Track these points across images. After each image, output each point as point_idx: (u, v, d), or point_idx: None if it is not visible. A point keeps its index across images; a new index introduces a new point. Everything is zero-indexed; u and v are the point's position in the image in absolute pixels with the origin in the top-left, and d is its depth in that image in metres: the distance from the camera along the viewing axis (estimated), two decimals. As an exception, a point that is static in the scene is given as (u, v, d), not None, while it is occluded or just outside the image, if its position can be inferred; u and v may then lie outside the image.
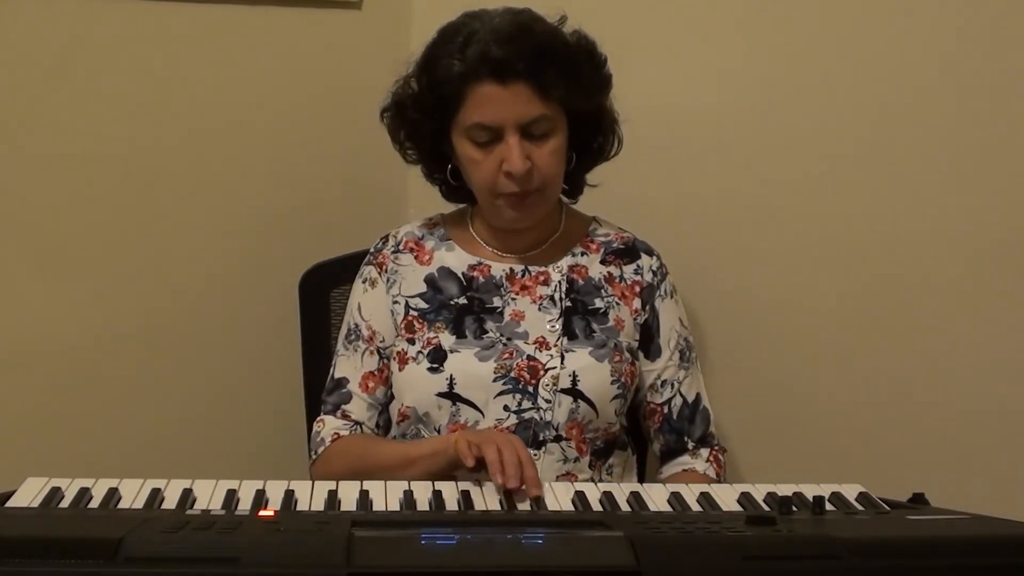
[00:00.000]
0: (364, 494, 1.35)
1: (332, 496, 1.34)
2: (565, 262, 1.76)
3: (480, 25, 1.62)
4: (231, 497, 1.31)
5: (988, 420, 1.87)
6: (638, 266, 1.78)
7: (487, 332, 1.70)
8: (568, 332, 1.71)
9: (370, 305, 1.77)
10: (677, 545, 1.12)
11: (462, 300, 1.73)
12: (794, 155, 1.99)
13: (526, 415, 1.66)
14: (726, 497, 1.39)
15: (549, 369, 1.67)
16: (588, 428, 1.68)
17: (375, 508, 1.33)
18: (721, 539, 1.14)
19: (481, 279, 1.74)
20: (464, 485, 1.41)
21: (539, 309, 1.72)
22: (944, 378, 1.90)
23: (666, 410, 1.77)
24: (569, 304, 1.73)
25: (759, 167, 2.02)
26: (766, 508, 1.35)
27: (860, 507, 1.35)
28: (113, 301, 1.98)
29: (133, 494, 1.31)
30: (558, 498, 1.40)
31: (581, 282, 1.75)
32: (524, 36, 1.61)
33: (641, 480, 1.86)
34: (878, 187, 1.93)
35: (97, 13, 1.91)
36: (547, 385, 1.66)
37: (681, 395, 1.77)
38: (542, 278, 1.74)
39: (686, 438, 1.77)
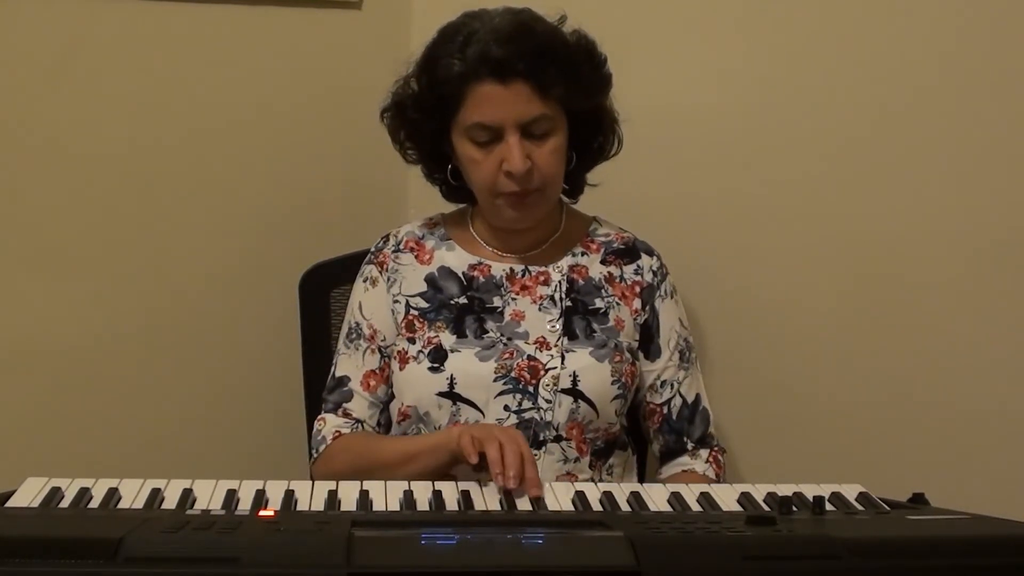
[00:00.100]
0: (364, 494, 1.35)
1: (332, 496, 1.34)
2: (565, 262, 1.76)
3: (480, 25, 1.62)
4: (231, 497, 1.31)
5: (988, 420, 1.87)
6: (638, 266, 1.78)
7: (487, 332, 1.70)
8: (568, 332, 1.71)
9: (371, 304, 1.77)
10: (677, 545, 1.12)
11: (462, 300, 1.73)
12: (794, 155, 1.99)
13: (526, 415, 1.66)
14: (726, 497, 1.39)
15: (549, 369, 1.67)
16: (588, 428, 1.68)
17: (375, 508, 1.33)
18: (721, 539, 1.14)
19: (481, 279, 1.74)
20: (464, 485, 1.41)
21: (539, 309, 1.72)
22: (944, 378, 1.90)
23: (666, 410, 1.77)
24: (569, 304, 1.73)
25: (759, 167, 2.02)
26: (766, 508, 1.35)
27: (860, 507, 1.35)
28: (113, 301, 1.98)
29: (133, 494, 1.31)
30: (558, 498, 1.40)
31: (581, 282, 1.75)
32: (524, 36, 1.61)
33: (641, 480, 1.86)
34: (878, 187, 1.93)
35: (97, 13, 1.91)
36: (547, 385, 1.66)
37: (681, 395, 1.77)
38: (542, 278, 1.74)
39: (685, 438, 1.77)
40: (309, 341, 1.94)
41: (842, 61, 1.94)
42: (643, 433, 1.83)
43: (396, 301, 1.75)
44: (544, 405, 1.66)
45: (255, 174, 2.09)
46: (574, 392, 1.66)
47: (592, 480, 1.68)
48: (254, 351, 2.10)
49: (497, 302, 1.73)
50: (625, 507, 1.36)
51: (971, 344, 1.88)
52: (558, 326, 1.71)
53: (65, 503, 1.28)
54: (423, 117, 1.69)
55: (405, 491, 1.37)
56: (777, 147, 2.00)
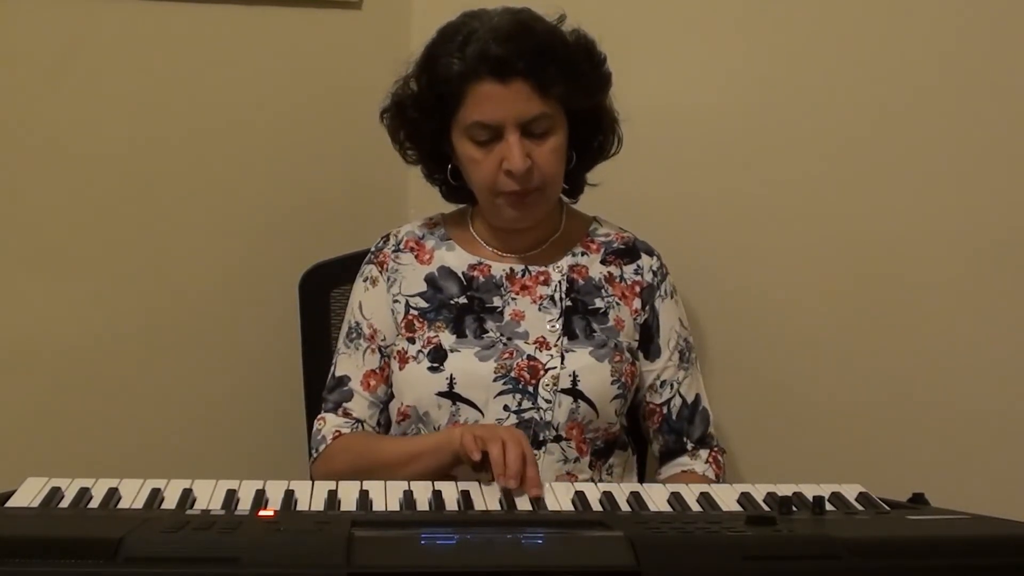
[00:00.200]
0: (364, 494, 1.35)
1: (332, 496, 1.34)
2: (565, 262, 1.76)
3: (479, 24, 1.62)
4: (231, 497, 1.31)
5: (988, 420, 1.87)
6: (638, 266, 1.78)
7: (487, 332, 1.70)
8: (568, 332, 1.71)
9: (371, 303, 1.77)
10: (677, 545, 1.12)
11: (462, 300, 1.73)
12: (794, 155, 1.99)
13: (526, 415, 1.66)
14: (726, 497, 1.39)
15: (549, 369, 1.67)
16: (588, 428, 1.68)
17: (375, 508, 1.33)
18: (721, 539, 1.14)
19: (481, 279, 1.74)
20: (464, 485, 1.41)
21: (539, 309, 1.72)
22: (944, 378, 1.90)
23: (665, 410, 1.77)
24: (569, 304, 1.73)
25: (759, 167, 2.02)
26: (766, 508, 1.35)
27: (860, 507, 1.35)
28: (113, 301, 1.98)
29: (133, 494, 1.31)
30: (558, 498, 1.40)
31: (581, 282, 1.75)
32: (523, 34, 1.62)
33: (641, 480, 1.86)
34: (878, 187, 1.93)
35: (97, 13, 1.91)
36: (547, 385, 1.66)
37: (680, 395, 1.77)
38: (542, 278, 1.74)
39: (685, 439, 1.77)
40: (309, 341, 1.94)
41: (842, 61, 1.94)
42: (643, 433, 1.83)
43: (396, 301, 1.75)
44: (544, 405, 1.66)
45: (255, 174, 2.09)
46: (574, 392, 1.66)
47: (592, 480, 1.68)
48: (254, 351, 2.10)
49: (497, 302, 1.73)
50: (625, 507, 1.36)
51: (971, 344, 1.88)
52: (558, 326, 1.71)
53: (65, 503, 1.28)
54: (423, 117, 1.69)
55: (405, 491, 1.37)
56: (777, 147, 2.00)
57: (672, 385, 1.77)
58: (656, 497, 1.39)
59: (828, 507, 1.33)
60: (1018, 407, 1.85)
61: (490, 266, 1.75)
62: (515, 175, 1.63)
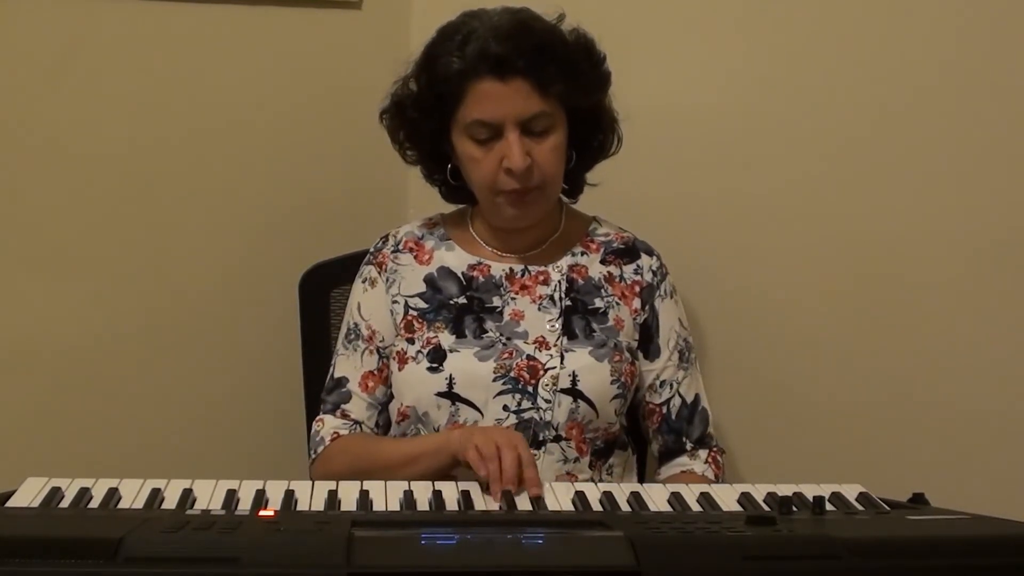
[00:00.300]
0: (364, 494, 1.35)
1: (332, 496, 1.34)
2: (565, 262, 1.76)
3: (479, 23, 1.63)
4: (231, 497, 1.31)
5: (988, 420, 1.87)
6: (638, 266, 1.78)
7: (487, 332, 1.70)
8: (568, 332, 1.71)
9: (370, 305, 1.77)
10: (677, 545, 1.12)
11: (462, 300, 1.73)
12: (794, 155, 1.99)
13: (525, 415, 1.65)
14: (726, 497, 1.39)
15: (549, 369, 1.67)
16: (588, 428, 1.68)
17: (375, 508, 1.33)
18: (721, 539, 1.14)
19: (481, 279, 1.74)
20: (464, 485, 1.41)
21: (539, 309, 1.72)
22: (944, 378, 1.90)
23: (665, 410, 1.77)
24: (569, 304, 1.73)
25: (759, 167, 2.02)
26: (766, 508, 1.35)
27: (860, 507, 1.35)
28: (113, 301, 1.98)
29: (133, 494, 1.31)
30: (558, 498, 1.40)
31: (581, 282, 1.75)
32: (523, 33, 1.62)
33: (641, 480, 1.86)
34: (878, 187, 1.93)
35: (97, 13, 1.91)
36: (547, 385, 1.66)
37: (680, 395, 1.77)
38: (542, 278, 1.74)
39: (684, 439, 1.77)
40: (309, 341, 1.94)
41: (842, 61, 1.94)
42: (642, 433, 1.83)
43: (395, 302, 1.75)
44: (543, 405, 1.66)
45: (255, 174, 2.09)
46: (573, 392, 1.66)
47: (592, 480, 1.68)
48: (254, 351, 2.10)
49: (496, 302, 1.73)
50: (625, 507, 1.36)
51: (971, 344, 1.88)
52: (557, 325, 1.71)
53: (65, 503, 1.28)
54: (423, 116, 1.69)
55: (405, 491, 1.37)
56: (777, 147, 2.00)
57: (671, 385, 1.77)
58: (656, 497, 1.39)
59: (828, 507, 1.33)
60: (1018, 407, 1.85)
61: (489, 266, 1.75)
62: (515, 173, 1.63)
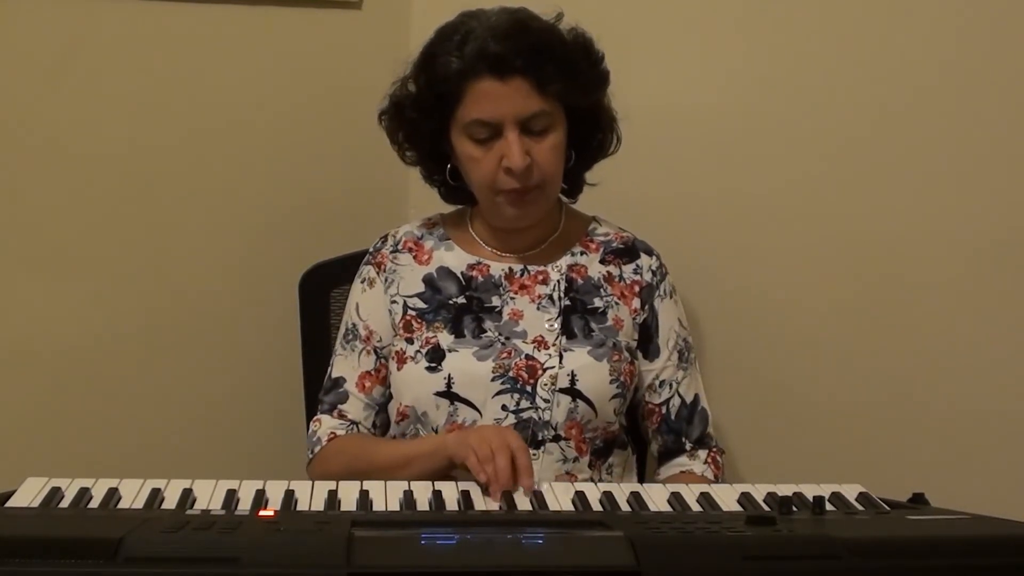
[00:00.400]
0: (364, 494, 1.35)
1: (332, 496, 1.34)
2: (564, 261, 1.76)
3: (477, 23, 1.63)
4: (231, 497, 1.31)
5: (988, 420, 1.87)
6: (637, 266, 1.78)
7: (486, 331, 1.70)
8: (567, 331, 1.71)
9: (368, 305, 1.77)
10: (677, 545, 1.12)
11: (461, 300, 1.73)
12: (794, 155, 1.99)
13: (524, 415, 1.65)
14: (726, 497, 1.39)
15: (547, 368, 1.67)
16: (587, 428, 1.68)
17: (375, 508, 1.33)
18: (721, 539, 1.13)
19: (480, 278, 1.74)
20: (464, 485, 1.41)
21: (538, 308, 1.72)
22: (944, 378, 1.90)
23: (664, 410, 1.77)
24: (568, 303, 1.73)
25: (759, 167, 2.02)
26: (766, 508, 1.35)
27: (860, 507, 1.35)
28: (113, 301, 1.98)
29: (133, 494, 1.31)
30: (558, 498, 1.40)
31: (580, 281, 1.75)
32: (521, 32, 1.62)
33: (641, 480, 1.86)
34: (878, 187, 1.93)
35: (97, 13, 1.92)
36: (545, 385, 1.66)
37: (679, 395, 1.77)
38: (541, 277, 1.74)
39: (684, 439, 1.77)
40: (309, 341, 1.94)
41: (842, 61, 1.94)
42: (642, 433, 1.82)
43: (394, 302, 1.75)
44: (542, 405, 1.66)
45: (255, 174, 2.09)
46: (572, 391, 1.66)
47: (592, 480, 1.68)
48: (254, 351, 2.10)
49: (495, 301, 1.73)
50: (625, 507, 1.36)
51: (971, 344, 1.88)
52: (556, 325, 1.71)
53: (65, 503, 1.28)
54: (422, 116, 1.69)
55: (405, 491, 1.37)
56: (777, 147, 2.00)
57: (671, 385, 1.77)
58: (656, 497, 1.39)
59: (828, 507, 1.33)
60: (1018, 407, 1.85)
61: (489, 266, 1.75)
62: (515, 172, 1.63)
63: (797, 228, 2.00)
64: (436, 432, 1.67)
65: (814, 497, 1.30)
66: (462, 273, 1.75)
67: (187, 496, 1.31)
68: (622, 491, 1.40)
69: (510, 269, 1.75)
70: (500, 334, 1.70)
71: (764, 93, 2.01)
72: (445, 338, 1.70)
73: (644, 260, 1.79)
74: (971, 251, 1.88)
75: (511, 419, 1.65)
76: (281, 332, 2.00)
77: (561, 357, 1.68)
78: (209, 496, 1.32)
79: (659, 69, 2.06)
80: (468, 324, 1.71)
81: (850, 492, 1.39)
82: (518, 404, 1.66)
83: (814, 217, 1.99)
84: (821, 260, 1.98)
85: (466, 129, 1.64)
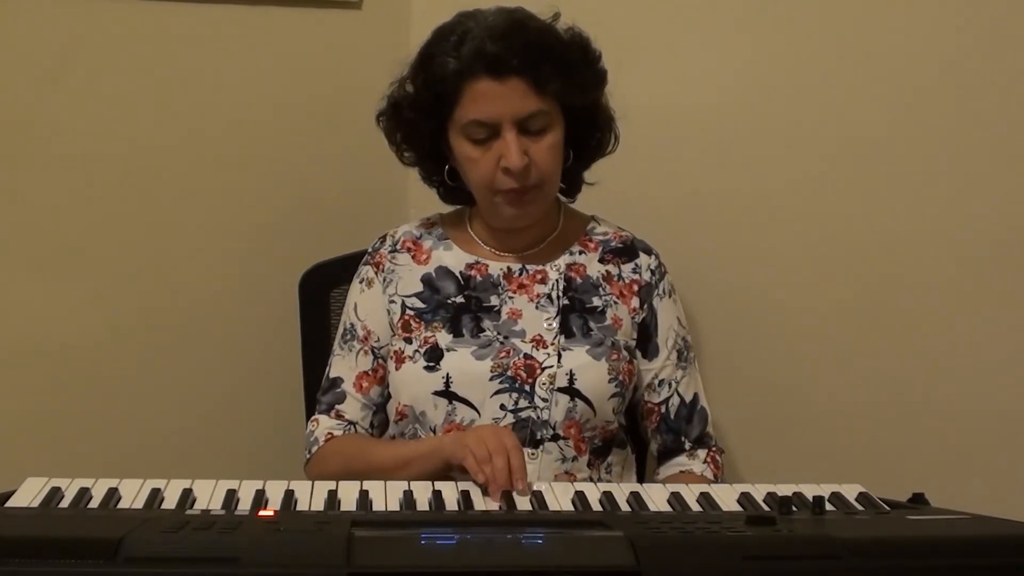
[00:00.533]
0: (364, 494, 1.36)
1: (332, 496, 1.34)
2: (563, 260, 1.76)
3: (474, 23, 1.63)
4: (231, 497, 1.31)
5: (988, 420, 1.87)
6: (636, 265, 1.78)
7: (484, 331, 1.70)
8: (565, 330, 1.71)
9: (366, 305, 1.77)
10: (677, 545, 1.12)
11: (459, 299, 1.73)
12: (794, 155, 1.99)
13: (523, 414, 1.65)
14: (726, 497, 1.39)
15: (546, 368, 1.67)
16: (586, 427, 1.68)
17: (375, 508, 1.33)
18: (721, 539, 1.14)
19: (478, 278, 1.74)
20: (464, 485, 1.41)
21: (536, 307, 1.72)
22: (944, 378, 1.90)
23: (663, 410, 1.77)
24: (567, 302, 1.73)
25: (759, 167, 2.02)
26: (766, 508, 1.35)
27: (860, 507, 1.35)
28: (113, 301, 1.98)
29: (133, 494, 1.31)
30: (558, 498, 1.40)
31: (579, 280, 1.75)
32: (518, 32, 1.62)
33: (641, 479, 1.86)
34: (878, 187, 1.93)
35: (97, 13, 1.92)
36: (544, 384, 1.66)
37: (679, 395, 1.77)
38: (540, 276, 1.74)
39: (683, 438, 1.77)
40: (309, 341, 1.94)
41: (842, 61, 1.94)
42: (641, 433, 1.82)
43: (392, 302, 1.75)
44: (540, 404, 1.66)
45: (255, 174, 2.09)
46: (571, 390, 1.66)
47: (591, 479, 1.68)
48: (254, 351, 2.10)
49: (494, 301, 1.73)
50: (625, 507, 1.36)
51: (971, 344, 1.88)
52: (555, 324, 1.71)
53: (65, 503, 1.28)
54: (420, 117, 1.69)
55: (405, 491, 1.37)
56: (777, 147, 2.00)
57: (670, 384, 1.77)
58: (656, 497, 1.39)
59: (828, 507, 1.33)
60: (1018, 407, 1.85)
61: (487, 265, 1.75)
62: (513, 172, 1.63)
63: (797, 228, 2.00)
64: (435, 432, 1.67)
65: (814, 497, 1.30)
66: (460, 273, 1.75)
67: (187, 496, 1.31)
68: (622, 491, 1.40)
69: (509, 268, 1.75)
70: (499, 333, 1.70)
71: (764, 92, 2.01)
72: (443, 337, 1.70)
73: (643, 259, 1.79)
74: (971, 251, 1.88)
75: (509, 418, 1.65)
76: (281, 332, 2.00)
77: (560, 356, 1.68)
78: (209, 496, 1.32)
79: (658, 68, 2.06)
80: (466, 323, 1.71)
81: (850, 492, 1.39)
82: (516, 403, 1.66)
83: (814, 217, 1.99)
84: (821, 260, 1.98)
85: (464, 129, 1.64)
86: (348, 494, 1.35)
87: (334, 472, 1.59)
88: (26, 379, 1.92)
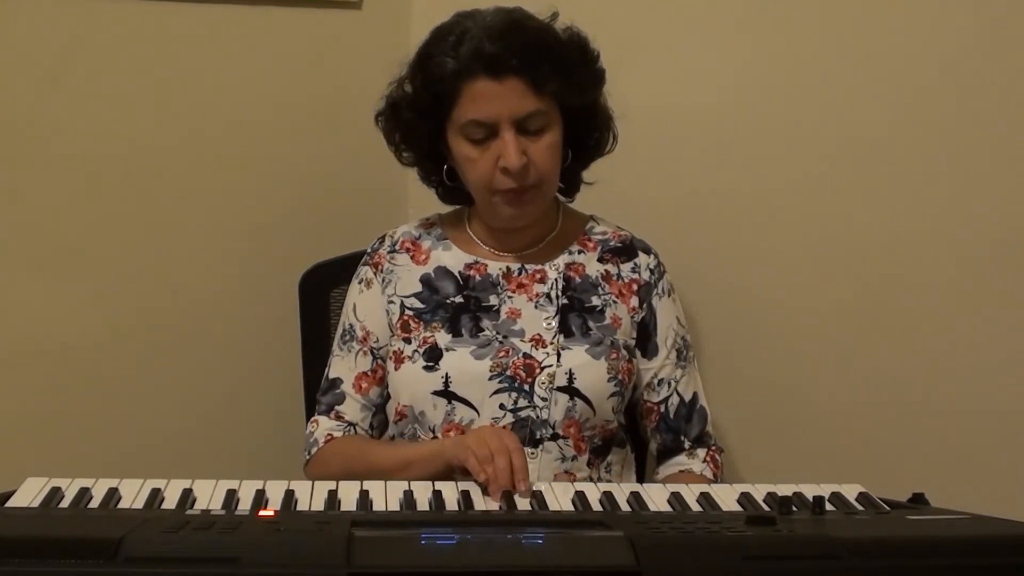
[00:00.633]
0: (364, 494, 1.36)
1: (332, 496, 1.34)
2: (562, 260, 1.76)
3: (472, 23, 1.63)
4: (231, 497, 1.31)
5: (988, 420, 1.87)
6: (635, 264, 1.78)
7: (483, 330, 1.70)
8: (565, 330, 1.71)
9: (365, 306, 1.77)
10: (677, 545, 1.12)
11: (458, 299, 1.73)
12: (794, 155, 1.99)
13: (522, 413, 1.65)
14: (726, 497, 1.39)
15: (545, 367, 1.67)
16: (585, 426, 1.68)
17: (375, 508, 1.33)
18: (721, 539, 1.14)
19: (477, 277, 1.74)
20: (464, 485, 1.42)
21: (535, 307, 1.72)
22: (944, 378, 1.90)
23: (663, 409, 1.77)
24: (566, 302, 1.73)
25: (759, 167, 2.02)
26: (766, 508, 1.35)
27: (860, 507, 1.35)
28: (113, 301, 1.98)
29: (133, 494, 1.31)
30: (558, 498, 1.40)
31: (578, 280, 1.75)
32: (516, 32, 1.62)
33: (641, 478, 1.86)
34: (878, 187, 1.93)
35: (97, 13, 1.92)
36: (543, 383, 1.66)
37: (678, 394, 1.77)
38: (539, 276, 1.74)
39: (683, 437, 1.77)
40: (309, 341, 1.94)
41: (842, 61, 1.94)
42: (641, 432, 1.82)
43: (391, 302, 1.75)
44: (540, 403, 1.66)
45: (255, 174, 2.09)
46: (570, 390, 1.66)
47: (590, 478, 1.68)
48: (254, 351, 2.10)
49: (493, 300, 1.73)
50: (625, 507, 1.36)
51: (971, 344, 1.88)
52: (554, 323, 1.71)
53: (65, 503, 1.28)
54: (418, 117, 1.69)
55: (405, 491, 1.37)
56: (777, 147, 2.00)
57: (670, 383, 1.77)
58: (656, 497, 1.39)
59: (828, 507, 1.33)
60: (1018, 407, 1.85)
61: (486, 265, 1.75)
62: (511, 172, 1.63)
63: (797, 228, 2.00)
64: (434, 431, 1.67)
65: (814, 497, 1.30)
66: (459, 272, 1.75)
67: (187, 496, 1.31)
68: (622, 491, 1.40)
69: (508, 268, 1.75)
70: (498, 333, 1.70)
71: (763, 92, 2.01)
72: (443, 337, 1.70)
73: (642, 259, 1.79)
74: (971, 251, 1.88)
75: (509, 418, 1.65)
76: (281, 332, 2.00)
77: (559, 356, 1.68)
78: (209, 496, 1.32)
79: (658, 68, 2.06)
80: (466, 323, 1.71)
81: (850, 492, 1.39)
82: (516, 403, 1.66)
83: (814, 217, 1.99)
84: (821, 260, 1.98)
85: (462, 129, 1.65)
86: (348, 494, 1.35)
87: (334, 474, 1.58)
88: (26, 379, 1.92)
